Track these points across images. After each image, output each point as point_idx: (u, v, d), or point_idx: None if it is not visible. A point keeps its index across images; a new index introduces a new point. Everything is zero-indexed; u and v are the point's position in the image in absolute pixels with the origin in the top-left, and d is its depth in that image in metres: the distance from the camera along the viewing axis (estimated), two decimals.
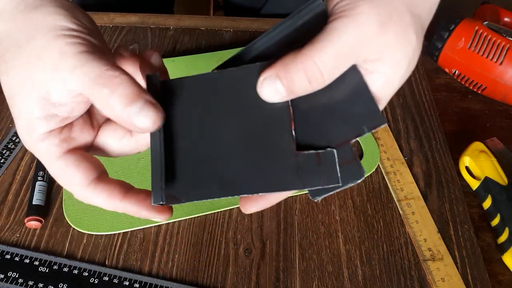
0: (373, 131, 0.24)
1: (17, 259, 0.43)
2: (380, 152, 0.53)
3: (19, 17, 0.26)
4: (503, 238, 0.46)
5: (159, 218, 0.28)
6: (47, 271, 0.42)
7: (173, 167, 0.26)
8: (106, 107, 0.24)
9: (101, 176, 0.28)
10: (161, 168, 0.25)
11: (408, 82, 0.61)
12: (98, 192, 0.28)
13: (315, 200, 0.31)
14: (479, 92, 0.61)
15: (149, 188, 0.27)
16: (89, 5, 0.78)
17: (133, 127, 0.24)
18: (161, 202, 0.26)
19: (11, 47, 0.26)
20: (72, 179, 0.27)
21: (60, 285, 0.41)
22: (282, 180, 0.24)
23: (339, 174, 0.23)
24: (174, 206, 0.30)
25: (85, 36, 0.25)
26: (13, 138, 0.53)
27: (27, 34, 0.25)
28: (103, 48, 0.26)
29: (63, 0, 0.27)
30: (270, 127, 0.25)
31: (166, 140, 0.26)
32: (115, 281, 0.42)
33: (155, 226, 0.46)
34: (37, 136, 0.26)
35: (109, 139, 0.30)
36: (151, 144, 0.26)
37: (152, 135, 0.26)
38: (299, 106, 0.25)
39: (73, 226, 0.45)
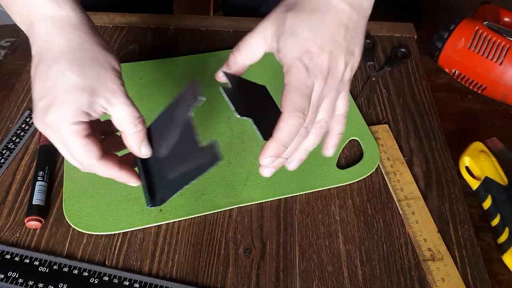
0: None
1: (17, 259, 0.43)
2: (380, 152, 0.53)
3: (85, 46, 0.37)
4: (503, 238, 0.46)
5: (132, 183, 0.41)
6: (47, 271, 0.42)
7: (151, 186, 0.41)
8: (129, 137, 0.39)
9: (107, 153, 0.39)
10: (146, 189, 0.41)
11: (408, 82, 0.61)
12: (106, 163, 0.38)
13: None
14: (479, 92, 0.61)
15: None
16: (90, 5, 0.78)
17: (138, 153, 0.40)
18: (150, 206, 0.41)
19: (79, 57, 0.36)
20: (91, 153, 0.37)
21: (60, 285, 0.41)
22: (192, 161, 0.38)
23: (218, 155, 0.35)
24: (174, 207, 0.46)
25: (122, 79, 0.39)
26: (13, 138, 0.53)
27: (94, 61, 0.37)
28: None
29: (109, 44, 0.40)
30: (186, 138, 0.38)
31: (144, 170, 0.42)
32: (115, 281, 0.42)
33: (155, 226, 0.46)
34: (74, 121, 0.36)
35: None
36: (139, 173, 0.42)
37: (139, 169, 0.42)
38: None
39: (73, 226, 0.45)
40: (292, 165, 0.42)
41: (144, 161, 0.42)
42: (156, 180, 0.41)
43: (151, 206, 0.40)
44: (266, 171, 0.40)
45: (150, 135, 0.41)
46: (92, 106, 0.36)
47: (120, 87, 0.37)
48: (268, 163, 0.38)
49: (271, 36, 0.39)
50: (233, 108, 0.36)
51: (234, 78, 0.40)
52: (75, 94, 0.35)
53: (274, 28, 0.39)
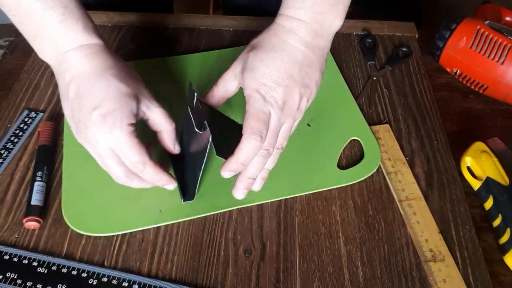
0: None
1: (15, 259, 0.42)
2: (381, 152, 0.52)
3: (119, 64, 0.44)
4: (504, 238, 0.45)
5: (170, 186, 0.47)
6: (45, 271, 0.42)
7: (182, 184, 0.48)
8: (169, 132, 0.46)
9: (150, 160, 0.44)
10: (179, 186, 0.48)
11: (410, 82, 0.61)
12: (154, 163, 0.43)
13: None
14: (481, 91, 0.61)
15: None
16: (89, 4, 0.78)
17: (171, 149, 0.47)
18: (185, 201, 0.47)
19: (119, 72, 0.42)
20: (144, 151, 0.42)
21: (59, 286, 0.41)
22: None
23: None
24: (174, 208, 0.47)
25: None
26: (12, 138, 0.52)
27: (129, 75, 0.44)
28: None
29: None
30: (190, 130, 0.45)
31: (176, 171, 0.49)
32: (114, 282, 0.41)
33: (154, 227, 0.46)
34: (129, 122, 0.41)
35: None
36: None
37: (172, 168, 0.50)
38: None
39: (72, 227, 0.45)
40: (256, 186, 0.47)
41: (174, 158, 0.49)
42: (183, 176, 0.48)
43: (185, 201, 0.47)
44: (239, 194, 0.46)
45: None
46: (137, 110, 0.42)
47: (152, 94, 0.45)
48: (227, 176, 0.44)
49: (239, 73, 0.45)
50: (194, 126, 0.43)
51: (206, 107, 0.48)
52: (125, 100, 0.41)
53: (241, 66, 0.45)
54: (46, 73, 0.60)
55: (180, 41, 0.66)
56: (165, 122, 0.44)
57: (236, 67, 0.46)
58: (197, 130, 0.43)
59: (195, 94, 0.45)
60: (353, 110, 0.56)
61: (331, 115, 0.56)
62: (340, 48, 0.65)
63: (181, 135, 0.49)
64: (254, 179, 0.46)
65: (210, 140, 0.41)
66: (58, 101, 0.56)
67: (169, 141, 0.46)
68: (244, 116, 0.43)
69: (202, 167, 0.44)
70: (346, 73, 0.62)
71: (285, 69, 0.43)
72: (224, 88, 0.47)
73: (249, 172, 0.45)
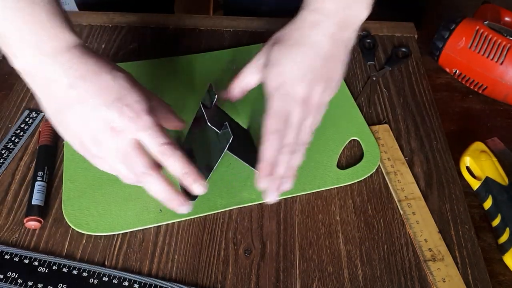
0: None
1: (16, 259, 0.43)
2: (381, 152, 0.52)
3: (107, 59, 0.42)
4: (503, 238, 0.45)
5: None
6: (46, 271, 0.42)
7: None
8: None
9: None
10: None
11: (409, 82, 0.61)
12: (176, 149, 0.41)
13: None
14: (480, 92, 0.61)
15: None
16: (91, 4, 0.78)
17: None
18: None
19: (115, 66, 0.42)
20: (168, 139, 0.40)
21: (60, 286, 0.41)
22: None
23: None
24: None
25: None
26: (12, 138, 0.52)
27: (121, 69, 0.42)
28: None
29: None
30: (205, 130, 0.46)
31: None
32: (115, 281, 0.42)
33: (154, 226, 0.46)
34: (148, 109, 0.40)
35: None
36: None
37: None
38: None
39: (73, 227, 0.45)
40: (287, 185, 0.45)
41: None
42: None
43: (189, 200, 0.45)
44: (272, 196, 0.44)
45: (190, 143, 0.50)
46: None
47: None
48: (266, 184, 0.43)
49: (262, 67, 0.45)
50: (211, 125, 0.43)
51: (219, 110, 0.49)
52: (139, 91, 0.40)
53: (264, 60, 0.44)
54: None
55: (180, 42, 0.66)
56: (163, 106, 0.44)
57: (258, 60, 0.45)
58: (215, 129, 0.43)
59: (216, 96, 0.45)
60: (352, 110, 0.57)
61: (330, 115, 0.56)
62: None
63: (187, 135, 0.50)
64: (284, 178, 0.44)
65: (230, 141, 0.41)
66: None
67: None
68: (266, 112, 0.43)
69: (215, 167, 0.43)
70: (346, 73, 0.62)
71: (309, 64, 0.42)
72: (245, 81, 0.47)
73: (277, 172, 0.43)
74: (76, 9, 0.77)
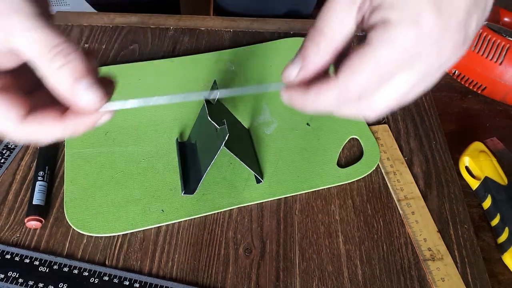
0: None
1: (17, 259, 0.43)
2: (380, 152, 0.53)
3: None
4: (503, 238, 0.46)
5: (104, 116, 0.28)
6: (47, 271, 0.42)
7: (186, 175, 0.49)
8: (52, 78, 0.24)
9: (36, 107, 0.26)
10: (181, 178, 0.48)
11: None
12: (38, 120, 0.26)
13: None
14: (479, 92, 0.61)
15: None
16: (99, 5, 0.78)
17: (74, 103, 0.25)
18: (184, 194, 0.47)
19: None
20: (7, 114, 0.25)
21: (60, 285, 0.41)
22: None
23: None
24: (176, 208, 0.47)
25: None
26: None
27: None
28: (48, 9, 0.26)
29: None
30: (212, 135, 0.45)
31: (181, 160, 0.50)
32: (115, 281, 0.42)
33: (155, 226, 0.46)
34: None
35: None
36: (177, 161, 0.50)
37: (177, 157, 0.50)
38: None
39: (75, 228, 0.45)
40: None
41: (182, 151, 0.50)
42: (190, 170, 0.48)
43: (184, 194, 0.47)
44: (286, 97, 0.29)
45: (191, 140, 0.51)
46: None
47: (22, 3, 0.24)
48: (287, 98, 0.28)
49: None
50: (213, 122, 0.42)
51: (222, 106, 0.48)
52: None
53: None
54: None
55: (180, 42, 0.66)
56: (40, 54, 0.24)
57: None
58: (215, 124, 0.43)
59: (218, 93, 0.45)
60: None
61: (330, 115, 0.56)
62: None
63: (191, 131, 0.51)
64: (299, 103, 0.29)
65: (226, 138, 0.41)
66: None
67: (58, 84, 0.25)
68: (359, 51, 0.25)
69: (211, 163, 0.43)
70: None
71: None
72: (335, 31, 0.26)
73: (305, 98, 0.27)
74: (82, 10, 0.78)
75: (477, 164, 0.50)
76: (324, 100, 0.26)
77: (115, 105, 0.27)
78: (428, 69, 0.25)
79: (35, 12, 0.24)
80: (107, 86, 0.26)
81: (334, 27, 0.26)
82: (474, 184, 0.50)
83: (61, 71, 0.24)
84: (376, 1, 0.24)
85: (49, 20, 0.24)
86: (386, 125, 0.56)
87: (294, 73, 0.27)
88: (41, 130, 0.26)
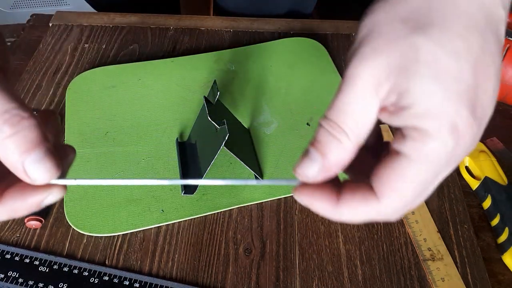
0: None
1: (17, 258, 0.43)
2: None
3: None
4: (503, 238, 0.46)
5: (52, 195, 0.23)
6: (47, 270, 0.42)
7: (186, 175, 0.49)
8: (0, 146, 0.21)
9: None
10: (181, 178, 0.49)
11: None
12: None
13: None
14: None
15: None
16: (100, 5, 0.78)
17: (23, 175, 0.22)
18: (183, 194, 0.47)
19: None
20: None
21: (60, 285, 0.41)
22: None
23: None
24: (176, 208, 0.47)
25: None
26: None
27: None
28: (7, 71, 0.24)
29: None
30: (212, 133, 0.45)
31: (182, 160, 0.50)
32: (115, 280, 0.42)
33: (155, 226, 0.46)
34: None
35: None
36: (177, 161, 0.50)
37: (177, 156, 0.51)
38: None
39: (75, 228, 0.45)
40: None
41: (182, 151, 0.50)
42: (190, 170, 0.49)
43: (184, 194, 0.47)
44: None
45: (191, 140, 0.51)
46: None
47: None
48: (308, 203, 0.25)
49: (386, 79, 0.21)
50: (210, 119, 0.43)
51: (222, 106, 0.48)
52: None
53: (393, 65, 0.21)
54: (47, 73, 0.60)
55: (180, 42, 0.66)
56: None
57: (374, 67, 0.21)
58: (215, 124, 0.43)
59: (218, 93, 0.45)
60: None
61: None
62: (340, 48, 0.66)
63: (191, 131, 0.52)
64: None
65: (226, 138, 0.41)
66: (60, 101, 0.57)
67: (4, 156, 0.22)
68: (396, 163, 0.22)
69: (211, 163, 0.43)
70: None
71: (495, 68, 0.22)
72: (358, 123, 0.22)
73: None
74: (84, 10, 0.78)
75: (477, 164, 0.50)
76: (358, 217, 0.24)
77: (67, 181, 0.23)
78: (455, 166, 0.23)
79: None
80: (64, 157, 0.24)
81: (358, 120, 0.22)
82: (474, 184, 0.50)
83: (7, 142, 0.21)
84: (404, 101, 0.21)
85: (1, 79, 0.22)
86: (387, 125, 0.56)
87: (312, 171, 0.24)
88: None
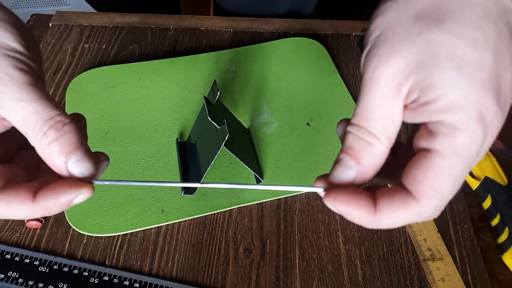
0: None
1: (17, 259, 0.43)
2: None
3: None
4: (503, 238, 0.46)
5: (82, 194, 0.25)
6: (47, 271, 0.42)
7: (186, 175, 0.49)
8: (42, 152, 0.24)
9: (7, 185, 0.24)
10: (181, 178, 0.49)
11: None
12: (6, 201, 0.24)
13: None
14: None
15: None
16: (100, 4, 0.78)
17: (65, 174, 0.25)
18: (183, 194, 0.47)
19: None
20: None
21: (60, 285, 0.41)
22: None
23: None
24: (176, 208, 0.47)
25: (30, 63, 0.24)
26: None
27: None
28: (43, 78, 0.26)
29: (13, 16, 0.25)
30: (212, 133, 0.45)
31: (182, 160, 0.50)
32: (115, 280, 0.42)
33: (155, 226, 0.46)
34: None
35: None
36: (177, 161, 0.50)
37: (177, 157, 0.51)
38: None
39: (75, 228, 0.45)
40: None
41: (182, 151, 0.51)
42: (190, 170, 0.49)
43: (184, 194, 0.47)
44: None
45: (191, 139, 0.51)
46: None
47: (13, 71, 0.23)
48: (344, 210, 0.24)
49: (405, 79, 0.22)
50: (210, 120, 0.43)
51: (222, 106, 0.48)
52: None
53: (411, 64, 0.21)
54: (47, 73, 0.60)
55: (180, 42, 0.66)
56: (32, 129, 0.23)
57: (395, 67, 0.22)
58: (215, 124, 0.43)
59: (218, 93, 0.45)
60: (352, 110, 0.57)
61: (330, 115, 0.56)
62: (339, 48, 0.66)
63: (191, 131, 0.51)
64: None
65: (226, 138, 0.41)
66: (60, 101, 0.57)
67: (50, 158, 0.24)
68: (430, 162, 0.22)
69: (211, 163, 0.43)
70: (345, 73, 0.62)
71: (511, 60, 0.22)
72: (387, 126, 0.23)
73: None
74: (83, 10, 0.78)
75: (477, 164, 0.50)
76: (398, 223, 0.23)
77: (99, 182, 0.26)
78: (483, 155, 0.23)
79: (28, 81, 0.23)
80: (98, 158, 0.27)
81: (387, 123, 0.23)
82: (474, 184, 0.50)
83: (52, 145, 0.23)
84: (428, 96, 0.21)
85: (42, 90, 0.24)
86: None
87: (347, 177, 0.24)
88: (7, 211, 0.24)
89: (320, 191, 0.25)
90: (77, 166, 0.24)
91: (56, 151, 0.24)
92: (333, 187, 0.24)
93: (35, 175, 0.27)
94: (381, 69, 0.22)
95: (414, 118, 0.23)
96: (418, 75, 0.21)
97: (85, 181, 0.25)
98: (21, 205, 0.24)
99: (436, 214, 0.23)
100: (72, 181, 0.24)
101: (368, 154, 0.23)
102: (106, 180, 0.26)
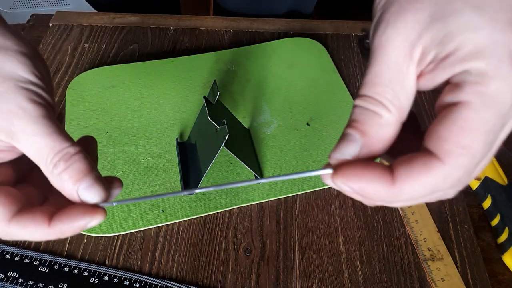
0: None
1: (17, 259, 0.43)
2: None
3: None
4: (503, 238, 0.46)
5: (95, 219, 0.25)
6: (47, 270, 0.42)
7: (186, 175, 0.49)
8: (54, 180, 0.25)
9: (24, 208, 0.25)
10: (181, 177, 0.49)
11: None
12: (23, 224, 0.24)
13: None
14: None
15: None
16: (100, 4, 0.78)
17: (77, 200, 0.25)
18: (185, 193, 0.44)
19: None
20: None
21: (60, 285, 0.41)
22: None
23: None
24: (176, 208, 0.47)
25: (43, 94, 0.25)
26: None
27: None
28: (55, 106, 0.26)
29: (26, 44, 0.25)
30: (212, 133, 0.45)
31: (182, 159, 0.50)
32: (115, 280, 0.42)
33: (155, 226, 0.46)
34: None
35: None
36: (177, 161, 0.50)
37: (177, 157, 0.51)
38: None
39: None
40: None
41: (182, 151, 0.51)
42: (190, 170, 0.49)
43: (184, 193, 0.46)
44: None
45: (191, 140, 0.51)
46: None
47: (26, 103, 0.23)
48: (357, 189, 0.21)
49: (418, 38, 0.20)
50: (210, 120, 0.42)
51: (222, 106, 0.48)
52: None
53: (422, 20, 0.19)
54: None
55: (180, 42, 0.66)
56: (44, 161, 0.24)
57: (403, 34, 0.20)
58: (215, 124, 0.43)
59: (218, 93, 0.45)
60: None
61: (330, 115, 0.56)
62: (339, 49, 0.66)
63: (191, 131, 0.52)
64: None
65: (226, 138, 0.41)
66: (60, 101, 0.57)
67: (61, 186, 0.25)
68: (457, 118, 0.19)
69: (211, 163, 0.43)
70: (345, 73, 0.62)
71: None
72: (398, 97, 0.20)
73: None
74: (83, 10, 0.78)
75: None
76: (422, 191, 0.20)
77: (107, 204, 0.26)
78: None
79: (42, 114, 0.24)
80: (110, 183, 0.27)
81: (397, 90, 0.20)
82: (474, 184, 0.50)
83: (63, 175, 0.24)
84: (448, 48, 0.19)
85: (55, 122, 0.25)
86: None
87: (352, 151, 0.21)
88: (23, 234, 0.25)
89: (328, 172, 0.22)
90: (88, 192, 0.25)
91: (66, 179, 0.24)
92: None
93: (48, 193, 0.27)
94: (389, 31, 0.20)
95: (434, 79, 0.20)
96: (433, 28, 0.19)
97: (95, 206, 0.25)
98: (37, 228, 0.24)
99: (467, 179, 0.20)
100: (86, 207, 0.25)
101: (374, 125, 0.20)
102: (114, 202, 0.27)
